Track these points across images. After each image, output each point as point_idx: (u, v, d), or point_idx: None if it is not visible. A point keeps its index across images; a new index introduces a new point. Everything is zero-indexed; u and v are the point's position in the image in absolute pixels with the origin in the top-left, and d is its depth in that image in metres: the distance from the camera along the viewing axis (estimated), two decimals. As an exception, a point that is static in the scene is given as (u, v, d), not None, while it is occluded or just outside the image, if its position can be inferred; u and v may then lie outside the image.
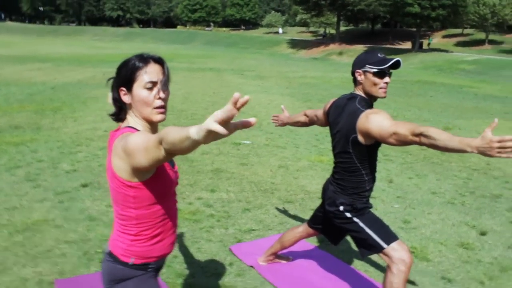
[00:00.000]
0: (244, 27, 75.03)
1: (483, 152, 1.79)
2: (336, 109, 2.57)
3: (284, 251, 3.38)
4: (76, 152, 6.29)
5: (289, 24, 66.94)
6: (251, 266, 3.22)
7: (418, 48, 39.06)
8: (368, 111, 2.33)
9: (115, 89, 1.66)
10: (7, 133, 7.27)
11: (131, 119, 1.67)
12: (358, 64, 2.46)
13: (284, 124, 3.25)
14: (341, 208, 2.56)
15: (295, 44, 50.63)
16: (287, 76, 20.52)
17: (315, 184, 5.14)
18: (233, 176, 5.36)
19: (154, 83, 1.61)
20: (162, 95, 1.62)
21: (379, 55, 2.43)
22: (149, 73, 1.60)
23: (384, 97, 2.44)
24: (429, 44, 40.45)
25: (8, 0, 75.71)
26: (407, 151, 6.93)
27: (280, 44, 53.29)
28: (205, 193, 4.75)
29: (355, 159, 2.44)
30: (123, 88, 1.64)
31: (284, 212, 4.32)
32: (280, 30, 63.99)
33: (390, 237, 2.42)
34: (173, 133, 1.29)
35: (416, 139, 2.03)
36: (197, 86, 15.07)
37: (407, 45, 42.65)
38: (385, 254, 2.40)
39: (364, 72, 2.41)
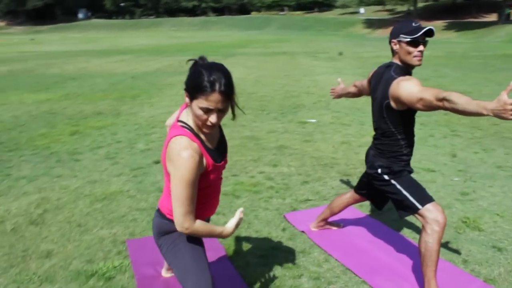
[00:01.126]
0: (318, 9, 73.91)
1: (497, 115, 1.84)
2: (375, 77, 2.65)
3: (336, 218, 3.51)
4: (150, 134, 6.77)
5: (364, 4, 64.90)
6: (302, 232, 3.38)
7: (504, 19, 36.33)
8: (400, 78, 2.40)
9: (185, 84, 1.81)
10: (91, 119, 7.95)
11: (186, 115, 1.87)
12: (394, 34, 2.53)
13: (339, 96, 3.39)
14: (379, 170, 2.65)
15: (371, 23, 49.13)
16: (360, 57, 20.12)
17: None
18: (295, 152, 5.53)
19: (210, 110, 1.74)
20: (213, 120, 1.75)
21: (413, 24, 2.47)
22: (210, 101, 1.70)
23: (419, 65, 2.48)
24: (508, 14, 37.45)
25: (94, 1, 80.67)
26: (476, 126, 6.68)
27: (355, 24, 51.98)
28: (267, 168, 4.96)
29: (390, 124, 2.52)
30: (187, 93, 1.79)
31: (341, 184, 4.43)
32: (362, 10, 61.94)
33: (425, 199, 2.47)
34: (209, 228, 1.90)
35: (440, 103, 2.10)
36: (270, 69, 15.27)
37: (492, 17, 39.83)
38: (420, 215, 2.47)
39: (399, 41, 2.47)
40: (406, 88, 2.33)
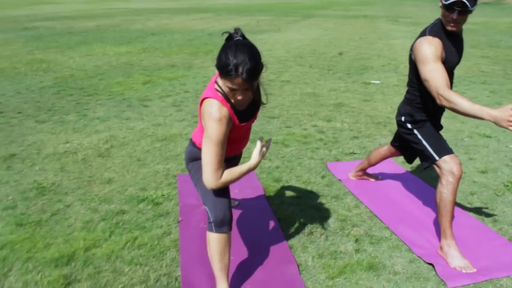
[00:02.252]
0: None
1: (496, 122, 1.97)
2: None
3: (376, 171, 3.59)
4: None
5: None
6: (340, 180, 3.51)
7: None
8: (425, 38, 2.40)
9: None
10: (164, 70, 8.40)
11: (222, 85, 1.94)
12: None
13: None
14: (403, 118, 2.71)
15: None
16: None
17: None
18: (352, 110, 5.56)
19: (235, 90, 1.85)
20: (239, 97, 1.86)
21: None
22: (234, 84, 1.79)
23: (451, 30, 2.42)
24: None
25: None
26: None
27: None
28: (321, 122, 5.07)
29: (413, 76, 2.56)
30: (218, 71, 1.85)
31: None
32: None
33: (443, 150, 2.49)
34: (235, 173, 1.99)
35: (437, 99, 2.24)
36: (346, 32, 14.97)
37: None
38: (437, 166, 2.50)
39: (442, 3, 2.44)
40: (421, 55, 2.37)
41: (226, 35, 1.90)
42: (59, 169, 3.83)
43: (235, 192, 3.34)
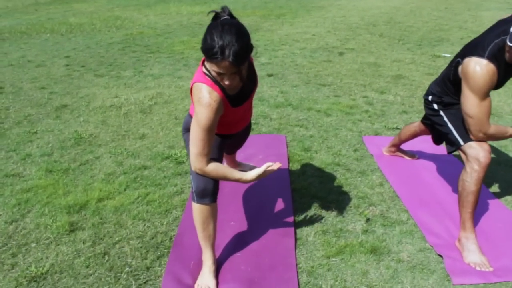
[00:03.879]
0: None
1: None
2: (495, 24, 2.28)
3: (416, 149, 3.34)
4: (277, 50, 6.92)
5: None
6: (372, 155, 3.30)
7: None
8: (484, 65, 2.04)
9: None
10: (230, 31, 8.36)
11: (205, 66, 1.82)
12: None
13: None
14: (430, 98, 2.45)
15: None
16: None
17: (496, 101, 4.60)
18: (410, 83, 5.19)
19: (222, 74, 1.70)
20: (227, 82, 1.72)
21: None
22: (220, 67, 1.65)
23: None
24: None
25: None
26: None
27: None
28: (373, 93, 4.79)
29: (452, 84, 2.36)
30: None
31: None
32: None
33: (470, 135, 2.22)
34: (225, 172, 1.91)
35: (474, 136, 2.21)
36: (432, 1, 13.96)
37: None
38: (462, 151, 2.24)
39: (508, 46, 2.03)
40: (473, 83, 2.07)
41: (212, 15, 1.74)
42: (100, 122, 3.96)
43: (259, 158, 3.26)
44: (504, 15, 2.35)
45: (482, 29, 8.78)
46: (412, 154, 3.27)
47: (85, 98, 4.63)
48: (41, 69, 5.81)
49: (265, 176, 1.96)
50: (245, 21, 9.77)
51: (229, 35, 1.61)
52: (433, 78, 5.38)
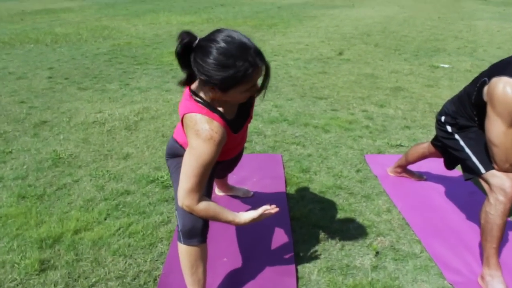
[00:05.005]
0: None
1: None
2: None
3: (423, 170, 3.08)
4: (270, 61, 6.68)
5: None
6: (376, 176, 3.04)
7: None
8: (507, 84, 1.79)
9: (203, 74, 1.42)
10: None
11: (199, 87, 1.58)
12: None
13: None
14: (443, 118, 2.21)
15: None
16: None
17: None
18: (410, 95, 4.97)
19: (253, 86, 1.49)
20: (257, 87, 1.52)
21: None
22: (255, 79, 1.46)
23: None
24: None
25: None
26: None
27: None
28: (372, 107, 4.55)
29: (472, 106, 2.10)
30: (217, 88, 1.44)
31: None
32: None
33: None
34: (216, 212, 1.64)
35: (499, 166, 1.94)
36: (424, 10, 13.88)
37: None
38: (484, 180, 1.99)
39: None
40: (501, 108, 1.81)
41: (180, 45, 1.42)
42: (81, 140, 3.67)
43: (253, 181, 2.99)
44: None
45: (478, 39, 8.63)
46: (420, 175, 3.02)
47: (67, 113, 4.33)
48: (22, 81, 5.51)
49: (261, 220, 1.70)
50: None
51: (240, 45, 1.39)
52: (433, 90, 5.17)
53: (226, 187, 2.77)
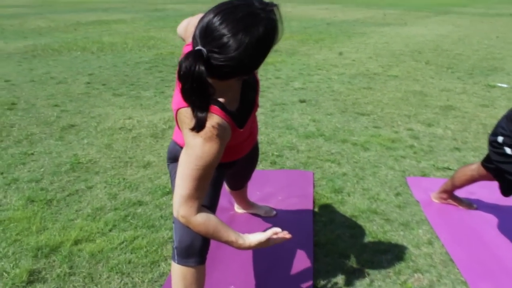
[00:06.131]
0: None
1: None
2: None
3: (472, 196, 2.69)
4: (313, 75, 6.40)
5: None
6: (418, 201, 2.68)
7: None
8: None
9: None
10: (265, 54, 7.92)
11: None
12: None
13: None
14: (500, 139, 1.85)
15: None
16: None
17: None
18: (463, 115, 4.53)
19: None
20: None
21: None
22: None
23: None
24: None
25: None
26: None
27: None
28: (418, 126, 4.17)
29: None
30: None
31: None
32: None
33: None
34: (217, 229, 1.35)
35: None
36: (481, 30, 13.18)
37: None
38: None
39: None
40: None
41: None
42: (105, 146, 3.52)
43: (278, 199, 2.70)
44: None
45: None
46: (469, 203, 2.62)
47: (96, 118, 4.22)
48: (60, 86, 5.50)
49: (269, 246, 1.40)
50: (282, 44, 9.33)
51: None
52: (488, 110, 4.71)
53: (246, 204, 2.49)
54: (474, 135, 3.93)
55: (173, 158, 1.63)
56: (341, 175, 3.08)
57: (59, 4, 20.21)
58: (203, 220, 1.32)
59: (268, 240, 1.37)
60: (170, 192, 2.75)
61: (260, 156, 3.43)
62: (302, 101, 4.97)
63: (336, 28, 13.07)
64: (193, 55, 1.08)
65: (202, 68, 1.07)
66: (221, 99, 1.29)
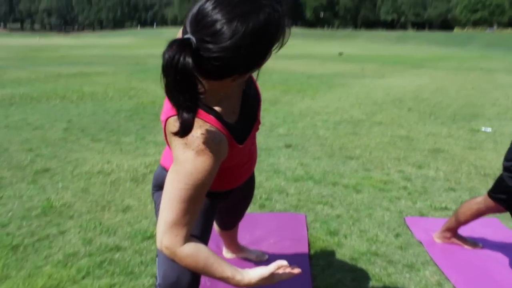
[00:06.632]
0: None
1: None
2: None
3: (475, 234, 2.52)
4: (297, 121, 6.33)
5: None
6: (420, 242, 2.49)
7: None
8: None
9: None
10: (247, 103, 7.88)
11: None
12: None
13: None
14: None
15: None
16: None
17: None
18: (452, 157, 4.45)
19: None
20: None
21: None
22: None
23: None
24: None
25: (296, 10, 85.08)
26: None
27: None
28: (409, 168, 4.05)
29: None
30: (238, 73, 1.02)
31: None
32: None
33: None
34: (208, 262, 1.14)
35: None
36: (456, 81, 13.55)
37: None
38: None
39: None
40: None
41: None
42: (81, 190, 3.28)
43: (270, 243, 2.49)
44: None
45: (519, 107, 8.12)
46: (474, 242, 2.45)
47: (73, 162, 3.99)
48: (37, 131, 5.27)
49: (273, 283, 1.19)
50: (265, 95, 9.35)
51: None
52: (477, 152, 4.64)
53: (236, 247, 2.27)
54: (466, 175, 3.82)
55: (159, 186, 1.44)
56: (335, 217, 2.89)
57: (41, 59, 20.22)
58: (191, 251, 1.12)
59: (272, 275, 1.17)
60: (152, 236, 2.52)
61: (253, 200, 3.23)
62: (288, 146, 4.84)
63: (316, 80, 13.27)
64: (178, 43, 0.91)
65: (189, 59, 0.90)
66: (217, 109, 1.12)
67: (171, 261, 1.17)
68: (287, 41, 1.04)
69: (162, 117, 1.17)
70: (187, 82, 0.92)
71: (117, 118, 6.26)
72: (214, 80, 1.02)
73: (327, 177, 3.74)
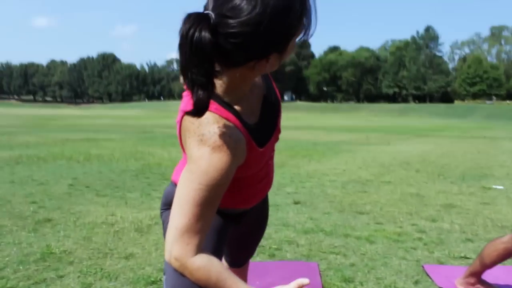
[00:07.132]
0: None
1: None
2: None
3: (500, 281, 2.36)
4: (305, 182, 6.26)
5: None
6: None
7: None
8: None
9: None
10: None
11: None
12: None
13: None
14: None
15: None
16: None
17: None
18: (466, 211, 4.31)
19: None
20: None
21: None
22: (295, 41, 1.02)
23: None
24: None
25: (300, 84, 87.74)
26: None
27: None
28: (423, 221, 3.91)
29: None
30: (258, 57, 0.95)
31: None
32: None
33: None
34: (221, 277, 1.01)
35: None
36: (462, 147, 13.58)
37: None
38: None
39: None
40: None
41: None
42: (82, 238, 3.16)
43: None
44: None
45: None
46: (500, 289, 2.29)
47: (76, 214, 3.89)
48: (41, 186, 5.21)
49: None
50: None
51: None
52: (491, 207, 4.51)
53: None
54: (483, 228, 3.67)
55: (169, 204, 1.33)
56: (349, 265, 2.74)
57: (50, 126, 20.61)
58: (203, 264, 1.00)
59: None
60: (156, 281, 2.38)
61: (257, 249, 3.09)
62: (296, 203, 4.74)
63: (322, 146, 13.33)
64: (196, 15, 0.88)
65: (205, 33, 0.86)
66: (236, 107, 1.07)
67: (180, 276, 1.06)
68: (313, 32, 1.00)
69: (178, 118, 1.11)
70: (203, 55, 0.88)
71: (123, 177, 6.21)
72: (232, 67, 0.97)
73: (338, 230, 3.61)
